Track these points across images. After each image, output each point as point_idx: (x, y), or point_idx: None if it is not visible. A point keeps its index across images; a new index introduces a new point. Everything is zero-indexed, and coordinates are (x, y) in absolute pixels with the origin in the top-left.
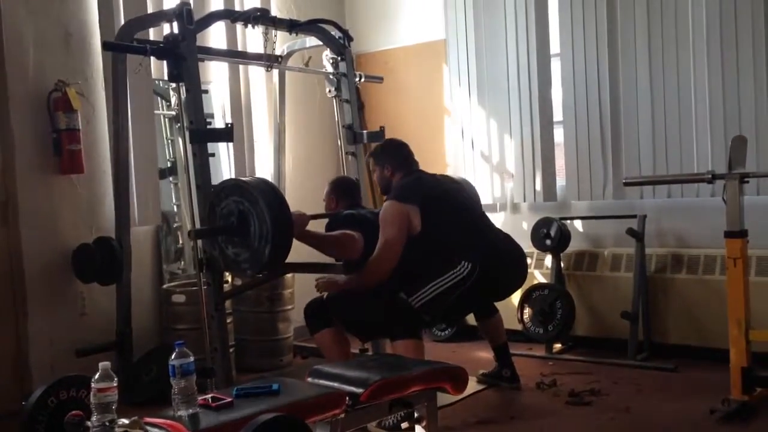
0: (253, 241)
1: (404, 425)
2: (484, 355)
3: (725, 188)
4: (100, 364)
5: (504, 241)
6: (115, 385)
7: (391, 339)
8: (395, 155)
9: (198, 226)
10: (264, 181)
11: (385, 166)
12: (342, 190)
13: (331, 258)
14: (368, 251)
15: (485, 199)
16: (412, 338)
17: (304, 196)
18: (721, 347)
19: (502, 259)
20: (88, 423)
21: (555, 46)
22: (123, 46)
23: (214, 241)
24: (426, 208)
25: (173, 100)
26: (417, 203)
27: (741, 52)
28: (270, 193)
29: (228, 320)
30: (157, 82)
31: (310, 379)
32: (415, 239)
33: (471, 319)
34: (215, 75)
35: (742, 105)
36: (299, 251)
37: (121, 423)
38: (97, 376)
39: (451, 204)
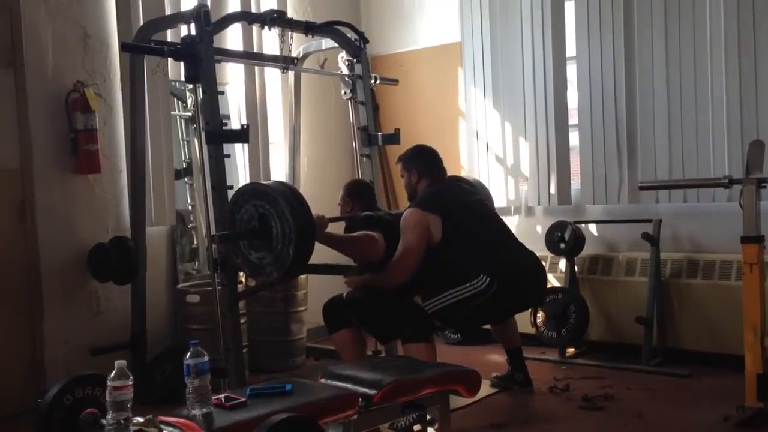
0: (276, 243)
1: (417, 427)
2: (496, 358)
3: (742, 193)
4: (116, 363)
5: (525, 258)
6: (130, 383)
7: (402, 341)
8: (423, 162)
9: (213, 226)
10: (282, 183)
11: (412, 171)
12: (357, 193)
13: (350, 260)
14: (389, 252)
15: (499, 202)
16: (423, 341)
17: (319, 197)
18: (737, 353)
19: (521, 277)
20: (103, 421)
21: (571, 49)
22: (141, 47)
23: (236, 247)
24: (447, 219)
25: (189, 101)
26: (438, 213)
27: (759, 56)
28: (290, 194)
29: (242, 321)
30: (173, 83)
31: (323, 380)
32: (434, 250)
33: None
34: (231, 76)
35: (760, 109)
36: (316, 252)
37: (135, 421)
38: (112, 375)
39: (474, 218)
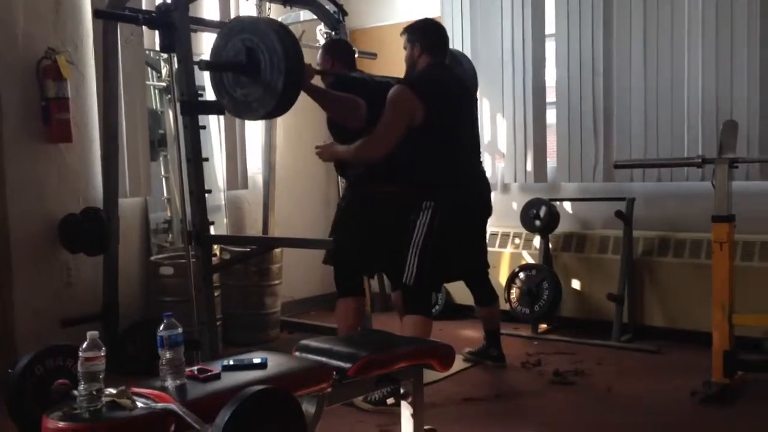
0: (265, 77)
1: (390, 401)
2: (470, 333)
3: (714, 173)
4: (89, 333)
5: (475, 176)
6: (103, 354)
7: (404, 312)
8: (429, 37)
9: (188, 199)
10: (271, 18)
11: (416, 44)
12: (337, 51)
13: (318, 234)
14: (368, 123)
15: None
16: (423, 315)
17: (295, 168)
18: (705, 330)
19: (467, 196)
20: (75, 392)
21: (550, 26)
22: (114, 14)
23: (220, 87)
24: (430, 112)
25: (164, 71)
26: (425, 102)
27: (735, 37)
28: (279, 28)
29: (215, 294)
30: (148, 52)
31: (297, 354)
32: (410, 137)
33: (458, 297)
34: (207, 46)
35: (735, 90)
36: (292, 227)
37: (108, 392)
38: (85, 345)
39: (451, 122)
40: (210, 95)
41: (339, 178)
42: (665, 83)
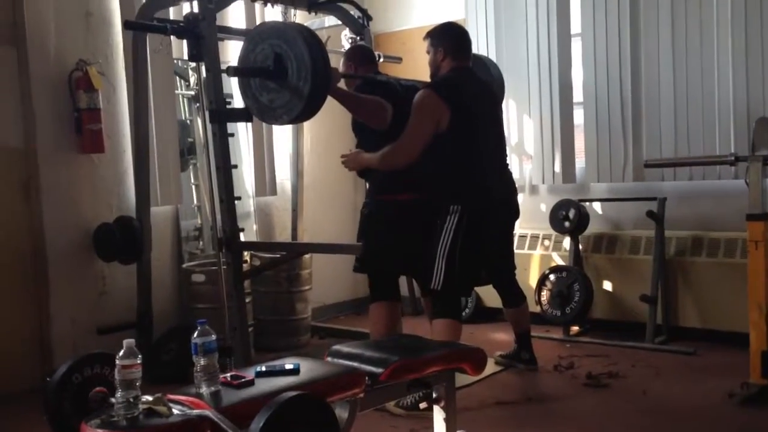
0: (291, 85)
1: (422, 405)
2: (501, 336)
3: (748, 170)
4: (125, 341)
5: (502, 178)
6: (139, 362)
7: (432, 316)
8: (452, 40)
9: (218, 207)
10: (301, 25)
11: (439, 48)
12: (359, 57)
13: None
14: (393, 127)
15: None
16: (453, 318)
17: (323, 174)
18: (741, 331)
19: (493, 199)
20: (112, 399)
21: (576, 25)
22: (144, 25)
23: (246, 88)
24: (455, 116)
25: (192, 79)
26: (451, 105)
27: (765, 33)
28: (309, 36)
29: (246, 300)
30: (176, 61)
31: (329, 359)
32: (436, 141)
33: (488, 300)
34: (234, 54)
35: (766, 86)
36: (322, 230)
37: (144, 399)
38: (121, 353)
39: (475, 128)
40: (238, 103)
41: (366, 183)
42: (695, 80)
